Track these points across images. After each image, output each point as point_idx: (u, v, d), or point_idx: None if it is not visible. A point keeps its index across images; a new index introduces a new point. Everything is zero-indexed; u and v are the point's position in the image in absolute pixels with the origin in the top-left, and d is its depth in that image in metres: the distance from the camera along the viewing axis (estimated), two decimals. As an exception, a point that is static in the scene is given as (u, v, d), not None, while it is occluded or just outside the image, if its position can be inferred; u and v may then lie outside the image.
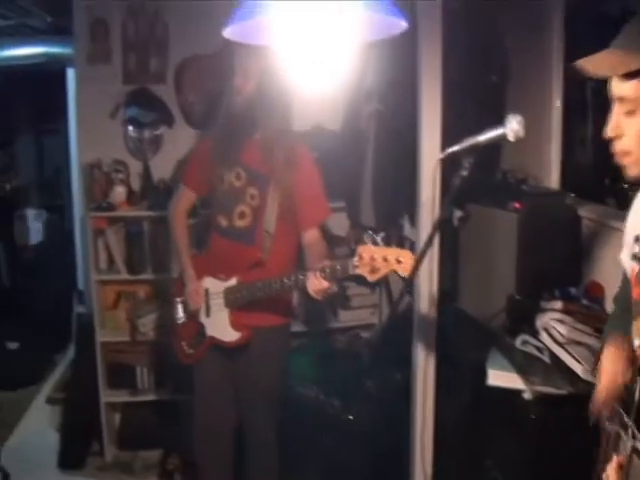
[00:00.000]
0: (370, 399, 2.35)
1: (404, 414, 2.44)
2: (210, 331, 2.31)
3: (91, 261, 3.19)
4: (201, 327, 2.33)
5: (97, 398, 3.22)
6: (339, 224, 3.34)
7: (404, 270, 1.78)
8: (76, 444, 3.32)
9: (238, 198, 2.25)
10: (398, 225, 3.04)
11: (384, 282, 3.31)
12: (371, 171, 2.98)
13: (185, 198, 2.45)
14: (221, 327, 2.27)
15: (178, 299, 2.40)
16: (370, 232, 1.90)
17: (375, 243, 1.85)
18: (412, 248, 2.47)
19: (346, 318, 3.32)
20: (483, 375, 2.04)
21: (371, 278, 1.85)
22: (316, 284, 1.95)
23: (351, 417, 2.46)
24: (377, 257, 1.81)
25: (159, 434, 3.23)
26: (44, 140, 6.37)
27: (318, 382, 2.62)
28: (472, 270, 2.68)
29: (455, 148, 1.54)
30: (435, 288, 2.37)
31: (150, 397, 3.24)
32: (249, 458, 2.44)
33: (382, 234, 1.88)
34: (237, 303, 2.22)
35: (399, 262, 1.79)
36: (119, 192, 3.16)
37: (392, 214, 3.02)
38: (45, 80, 4.87)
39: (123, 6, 3.33)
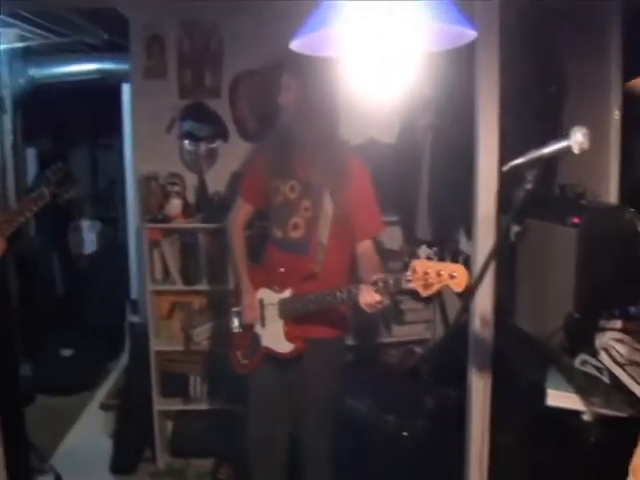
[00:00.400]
0: (425, 415, 2.32)
1: (460, 432, 2.41)
2: (265, 341, 2.33)
3: (147, 271, 3.26)
4: (256, 337, 2.36)
5: (150, 406, 3.28)
6: (392, 238, 3.33)
7: (458, 285, 1.77)
8: (129, 450, 3.38)
9: (292, 210, 2.28)
10: (454, 239, 3.00)
11: (438, 297, 3.28)
12: (427, 184, 2.97)
13: (243, 211, 2.48)
14: (275, 338, 2.29)
15: (234, 309, 2.43)
16: (424, 246, 1.89)
17: (429, 258, 1.84)
18: (467, 262, 2.45)
19: (400, 333, 3.29)
20: (541, 395, 1.99)
21: (424, 293, 1.84)
22: (368, 297, 1.95)
23: (405, 433, 2.42)
24: (431, 272, 1.80)
25: (211, 443, 3.26)
26: (98, 154, 6.56)
27: (371, 396, 2.60)
28: (529, 287, 2.63)
29: (519, 160, 1.52)
30: (491, 305, 2.33)
31: (203, 406, 3.27)
32: (303, 471, 2.44)
33: (435, 249, 1.88)
34: (291, 315, 2.25)
35: (453, 277, 1.77)
36: (175, 204, 3.22)
37: (448, 228, 3.00)
38: (100, 95, 5.01)
39: (178, 22, 3.42)
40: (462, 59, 2.30)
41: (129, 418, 3.43)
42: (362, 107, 3.02)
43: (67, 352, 4.47)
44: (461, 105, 2.55)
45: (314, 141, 2.23)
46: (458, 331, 2.56)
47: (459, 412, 2.43)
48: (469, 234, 2.64)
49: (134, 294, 4.51)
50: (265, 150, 2.44)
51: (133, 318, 3.93)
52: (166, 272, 3.30)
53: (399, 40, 1.29)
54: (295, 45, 1.32)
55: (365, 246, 2.26)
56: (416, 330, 3.31)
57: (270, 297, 2.31)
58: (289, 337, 2.26)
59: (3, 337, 2.72)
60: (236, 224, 2.48)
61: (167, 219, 3.22)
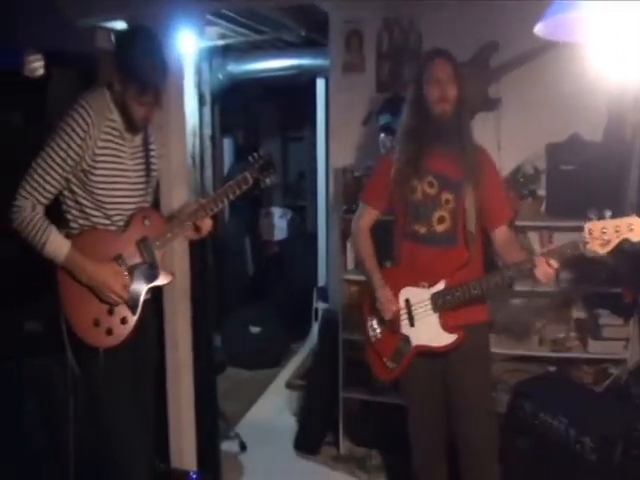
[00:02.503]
0: (624, 444, 2.10)
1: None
2: (417, 340, 2.28)
3: (339, 261, 3.36)
4: (404, 338, 2.30)
5: (336, 391, 3.37)
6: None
7: (637, 235, 1.84)
8: (313, 431, 3.51)
9: (435, 204, 2.28)
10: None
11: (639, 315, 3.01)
12: (636, 187, 2.73)
13: (368, 216, 2.45)
14: (432, 333, 2.24)
15: (369, 318, 2.39)
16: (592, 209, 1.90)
17: (602, 217, 1.88)
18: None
19: (595, 349, 3.04)
20: None
21: (603, 251, 1.90)
22: (546, 268, 1.98)
23: (596, 459, 2.21)
24: (607, 230, 1.87)
25: (394, 436, 3.19)
26: (289, 146, 6.88)
27: (568, 414, 2.40)
28: None
29: None
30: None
31: (388, 399, 3.23)
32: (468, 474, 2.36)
33: (608, 210, 1.88)
34: (448, 306, 2.21)
35: (631, 230, 1.85)
36: (369, 196, 3.26)
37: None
38: (294, 90, 5.23)
39: (379, 18, 3.48)
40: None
41: (315, 400, 3.56)
42: (567, 101, 2.86)
43: (255, 329, 4.75)
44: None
45: (458, 135, 2.23)
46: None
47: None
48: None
49: (321, 282, 4.67)
50: (392, 154, 2.37)
51: (321, 305, 4.07)
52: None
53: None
54: (539, 28, 1.29)
55: (505, 231, 2.31)
56: (613, 348, 3.02)
57: (418, 294, 2.26)
58: (448, 328, 2.22)
59: (201, 309, 2.91)
60: (363, 229, 2.45)
61: (362, 211, 3.27)
